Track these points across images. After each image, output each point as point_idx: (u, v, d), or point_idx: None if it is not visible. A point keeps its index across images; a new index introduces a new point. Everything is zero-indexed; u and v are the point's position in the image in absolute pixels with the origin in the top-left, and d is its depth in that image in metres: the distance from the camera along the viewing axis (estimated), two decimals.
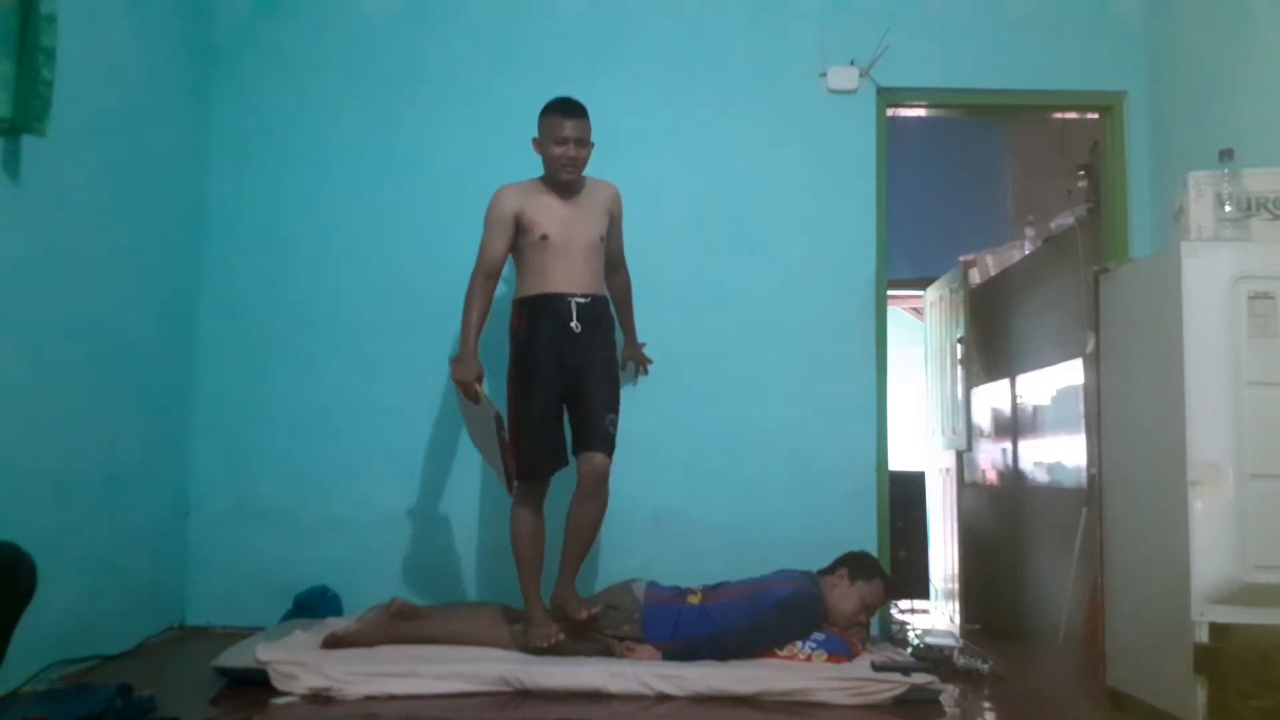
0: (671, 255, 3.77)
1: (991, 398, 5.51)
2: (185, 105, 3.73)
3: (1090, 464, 4.01)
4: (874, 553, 3.53)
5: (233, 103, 3.89)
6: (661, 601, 3.15)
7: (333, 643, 3.00)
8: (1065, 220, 4.49)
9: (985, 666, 3.18)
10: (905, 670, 2.90)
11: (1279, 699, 2.33)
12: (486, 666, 2.81)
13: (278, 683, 2.71)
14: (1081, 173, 4.35)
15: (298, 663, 2.77)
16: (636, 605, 3.13)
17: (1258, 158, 2.70)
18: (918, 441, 6.35)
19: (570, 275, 3.16)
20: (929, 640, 3.46)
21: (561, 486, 3.18)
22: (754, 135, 3.89)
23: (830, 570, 3.26)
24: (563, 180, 3.17)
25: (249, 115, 3.89)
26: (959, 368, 5.50)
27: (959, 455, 5.72)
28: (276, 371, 3.80)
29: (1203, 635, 2.38)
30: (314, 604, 3.54)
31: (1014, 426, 5.19)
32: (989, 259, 5.60)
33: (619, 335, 3.48)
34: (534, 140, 3.19)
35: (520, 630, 3.06)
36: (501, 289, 3.27)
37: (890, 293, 4.18)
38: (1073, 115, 4.23)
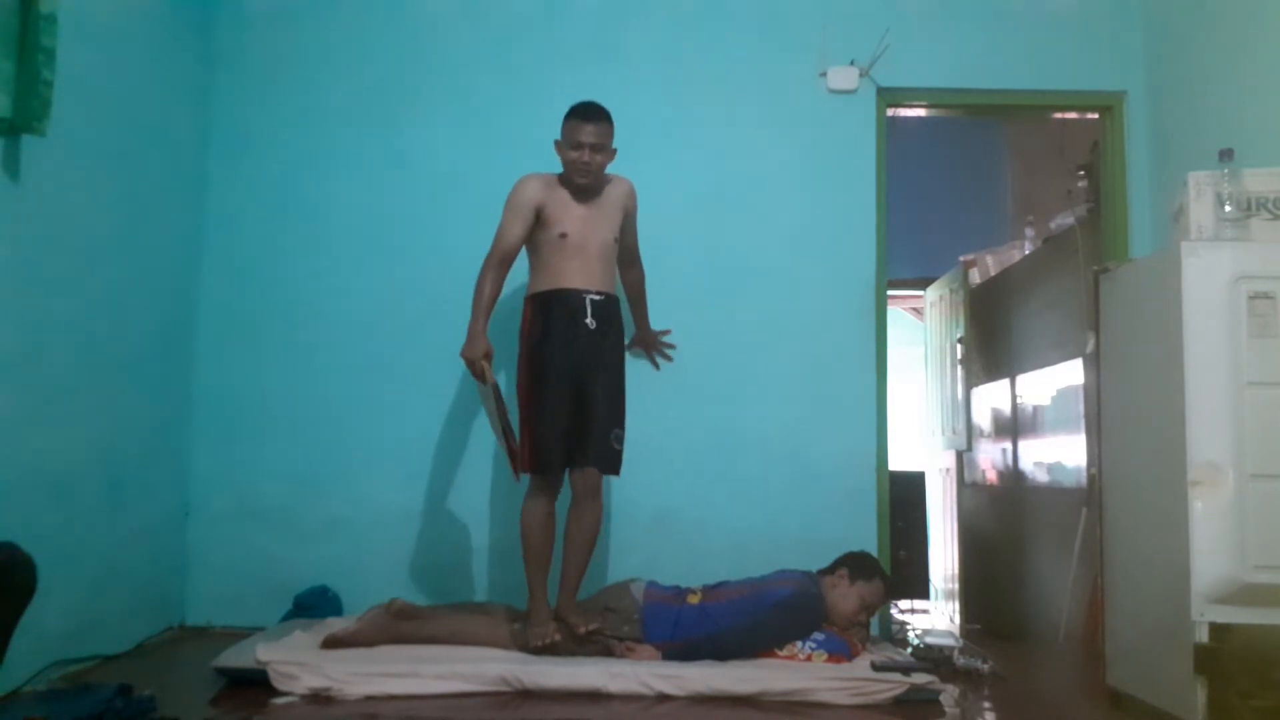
0: (671, 255, 3.76)
1: (991, 398, 5.50)
2: (185, 105, 3.73)
3: (1090, 464, 4.01)
4: (874, 553, 3.53)
5: (233, 102, 3.89)
6: (661, 602, 3.15)
7: (333, 643, 3.00)
8: (1065, 220, 4.49)
9: (985, 666, 3.18)
10: (905, 670, 2.90)
11: (1279, 699, 2.33)
12: (486, 666, 2.81)
13: (278, 683, 2.71)
14: (1081, 173, 4.35)
15: (298, 663, 2.76)
16: (636, 606, 3.13)
17: (1258, 158, 2.70)
18: (918, 441, 6.35)
19: (585, 273, 3.17)
20: (929, 640, 3.46)
21: (564, 488, 3.18)
22: (754, 135, 3.89)
23: (830, 570, 3.26)
24: (578, 184, 3.19)
25: (249, 115, 3.89)
26: (959, 368, 5.49)
27: (959, 455, 5.71)
28: (276, 371, 3.80)
29: (1203, 635, 2.38)
30: (314, 604, 3.54)
31: (1014, 426, 5.19)
32: (989, 259, 5.60)
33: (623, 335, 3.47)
34: (556, 142, 3.21)
35: (520, 630, 3.06)
36: (506, 290, 3.27)
37: (890, 293, 4.18)
38: (1073, 115, 4.23)
